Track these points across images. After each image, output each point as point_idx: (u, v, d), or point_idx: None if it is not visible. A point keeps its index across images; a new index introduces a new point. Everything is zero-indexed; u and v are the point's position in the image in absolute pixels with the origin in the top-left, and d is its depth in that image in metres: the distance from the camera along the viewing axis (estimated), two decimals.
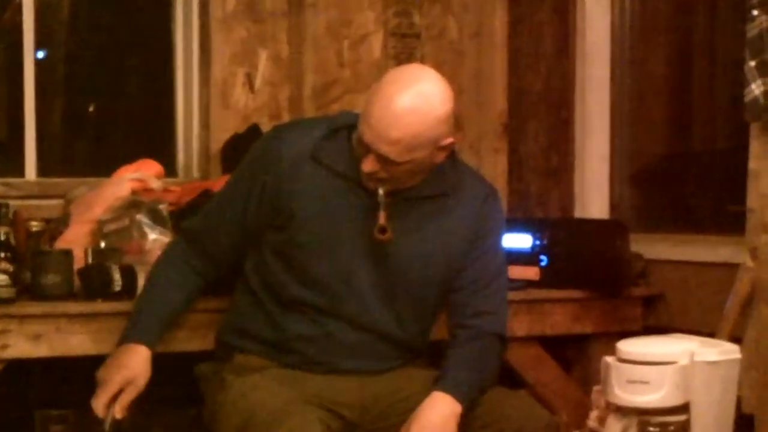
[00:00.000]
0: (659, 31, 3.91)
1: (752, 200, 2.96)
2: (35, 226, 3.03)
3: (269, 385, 2.52)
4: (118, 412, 2.51)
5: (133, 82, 4.01)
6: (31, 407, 2.90)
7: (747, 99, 2.89)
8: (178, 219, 2.95)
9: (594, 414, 2.72)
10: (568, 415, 3.21)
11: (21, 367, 2.79)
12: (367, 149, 2.44)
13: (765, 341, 2.91)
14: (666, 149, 3.96)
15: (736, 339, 2.88)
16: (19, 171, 3.60)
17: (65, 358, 2.78)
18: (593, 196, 3.88)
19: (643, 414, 2.58)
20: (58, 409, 2.75)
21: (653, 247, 3.53)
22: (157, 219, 2.98)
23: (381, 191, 2.50)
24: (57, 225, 3.15)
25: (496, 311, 2.65)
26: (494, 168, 3.99)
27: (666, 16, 3.89)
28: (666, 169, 3.91)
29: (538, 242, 3.35)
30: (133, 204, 3.04)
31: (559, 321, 3.34)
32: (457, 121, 3.08)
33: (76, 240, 3.00)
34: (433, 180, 2.57)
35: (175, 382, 2.81)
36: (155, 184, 3.16)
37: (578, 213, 3.88)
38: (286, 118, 3.72)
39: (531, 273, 3.34)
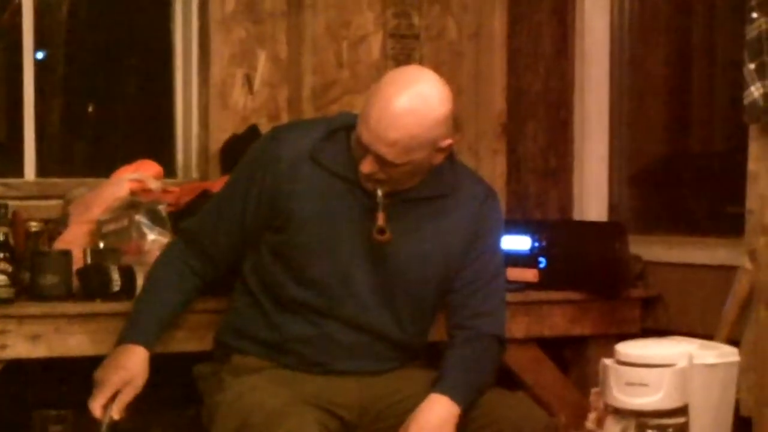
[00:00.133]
0: (658, 31, 3.92)
1: (751, 202, 2.96)
2: (34, 226, 3.02)
3: (267, 385, 2.52)
4: (116, 413, 2.51)
5: (132, 82, 4.00)
6: (30, 407, 2.89)
7: (746, 101, 2.89)
8: (177, 219, 2.95)
9: (592, 416, 2.72)
10: (567, 416, 3.21)
11: (20, 367, 2.79)
12: (366, 150, 2.45)
13: (763, 344, 2.91)
14: (665, 150, 3.96)
15: (734, 341, 2.89)
16: (18, 171, 3.60)
17: (64, 359, 2.78)
18: (592, 198, 3.89)
19: (641, 416, 2.58)
20: (57, 409, 2.74)
21: (652, 249, 3.53)
22: (155, 219, 2.98)
23: (380, 192, 2.50)
24: (56, 225, 3.14)
25: (494, 312, 2.65)
26: (493, 169, 3.99)
27: (665, 16, 3.89)
28: (665, 170, 3.91)
29: (536, 244, 3.36)
30: (132, 204, 3.04)
31: (558, 323, 3.34)
32: (456, 121, 3.09)
33: (75, 240, 3.00)
34: (432, 181, 2.58)
35: (174, 382, 2.81)
36: (154, 184, 3.16)
37: (577, 214, 3.88)
38: (285, 118, 3.72)
39: (529, 275, 3.34)
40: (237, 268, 2.68)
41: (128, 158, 3.31)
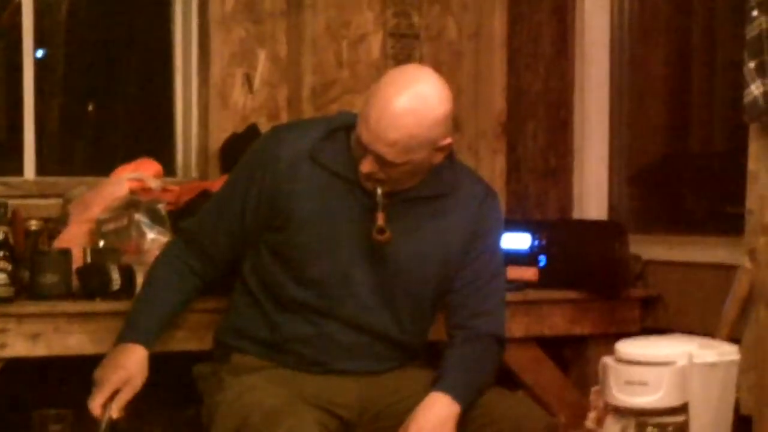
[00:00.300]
0: (658, 31, 3.91)
1: (751, 201, 2.96)
2: (34, 225, 3.02)
3: (267, 385, 2.52)
4: (115, 412, 2.51)
5: (131, 82, 4.01)
6: (29, 407, 2.89)
7: (746, 100, 2.88)
8: (177, 219, 2.95)
9: (592, 415, 2.72)
10: (566, 416, 3.20)
11: (19, 366, 2.79)
12: (366, 150, 2.44)
13: (763, 343, 2.90)
14: (665, 150, 3.96)
15: (734, 341, 2.88)
16: (18, 170, 3.60)
17: (63, 358, 2.78)
18: (592, 197, 3.88)
19: (641, 415, 2.58)
20: (56, 408, 2.74)
21: (651, 249, 3.52)
22: (155, 218, 2.98)
23: (379, 192, 2.50)
24: (55, 224, 3.15)
25: (494, 312, 2.65)
26: (492, 168, 3.99)
27: (665, 16, 3.89)
28: (664, 170, 3.91)
29: (536, 243, 3.36)
30: (132, 203, 3.03)
31: (557, 322, 3.34)
32: (456, 121, 3.09)
33: (74, 239, 3.00)
34: (432, 180, 2.57)
35: (173, 382, 2.81)
36: (154, 183, 3.16)
37: (576, 214, 3.87)
38: (284, 118, 3.72)
39: (529, 274, 3.34)
40: (237, 267, 2.68)
41: (128, 157, 3.31)
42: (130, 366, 2.55)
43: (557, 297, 3.34)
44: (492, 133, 4.02)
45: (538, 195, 4.00)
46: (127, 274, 2.82)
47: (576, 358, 3.46)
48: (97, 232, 3.01)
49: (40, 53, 3.72)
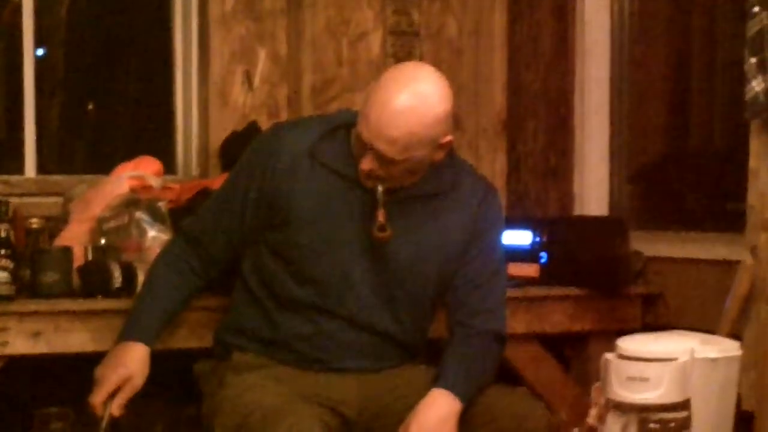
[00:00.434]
0: (659, 30, 3.91)
1: (752, 198, 2.96)
2: (35, 223, 3.02)
3: (267, 383, 2.52)
4: (116, 410, 2.51)
5: (132, 80, 4.01)
6: (31, 405, 2.90)
7: (747, 96, 2.88)
8: (177, 217, 2.95)
9: (593, 411, 2.71)
10: (567, 413, 3.20)
11: (20, 364, 2.79)
12: (366, 148, 2.44)
13: (764, 339, 2.90)
14: (665, 149, 3.96)
15: (735, 337, 2.88)
16: (19, 168, 3.60)
17: (65, 356, 2.78)
18: (592, 196, 3.88)
19: (642, 411, 2.57)
20: (58, 406, 2.74)
21: (653, 245, 3.52)
22: (156, 216, 2.98)
23: (380, 189, 2.49)
24: (56, 223, 3.15)
25: (494, 309, 2.65)
26: (493, 167, 3.99)
27: (665, 15, 3.89)
28: (664, 168, 3.91)
29: (537, 240, 3.35)
30: (132, 202, 3.03)
31: (559, 319, 3.34)
32: (456, 119, 3.08)
33: (75, 238, 3.00)
34: (432, 178, 2.57)
35: (174, 380, 2.81)
36: (154, 181, 3.16)
37: (577, 212, 3.87)
38: (284, 116, 3.72)
39: (530, 270, 3.34)
40: (237, 266, 2.68)
41: (128, 155, 3.31)
42: (131, 364, 2.55)
43: (558, 294, 3.33)
44: (492, 130, 4.02)
45: (538, 194, 4.00)
46: (128, 273, 2.82)
47: (577, 354, 3.45)
48: (97, 231, 3.01)
49: (40, 52, 3.72)
